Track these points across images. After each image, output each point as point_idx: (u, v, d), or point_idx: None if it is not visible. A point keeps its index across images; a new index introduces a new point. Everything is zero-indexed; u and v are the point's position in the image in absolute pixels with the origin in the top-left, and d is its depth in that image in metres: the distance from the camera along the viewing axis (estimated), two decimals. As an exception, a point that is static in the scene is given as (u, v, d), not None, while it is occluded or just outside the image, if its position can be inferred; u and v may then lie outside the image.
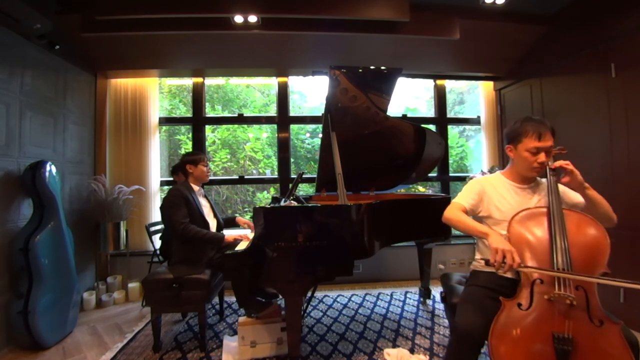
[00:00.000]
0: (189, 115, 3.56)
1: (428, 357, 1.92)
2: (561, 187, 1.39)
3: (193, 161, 2.25)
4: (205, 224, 2.17)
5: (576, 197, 1.40)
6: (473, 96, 4.29)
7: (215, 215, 2.39)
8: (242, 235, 2.15)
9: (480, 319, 1.20)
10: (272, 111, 3.93)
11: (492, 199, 1.47)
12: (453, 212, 1.44)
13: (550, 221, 1.25)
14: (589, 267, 1.16)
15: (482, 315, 1.21)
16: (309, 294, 2.68)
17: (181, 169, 2.30)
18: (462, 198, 1.50)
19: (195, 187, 2.26)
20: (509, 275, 1.35)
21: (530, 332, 1.10)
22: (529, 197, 1.44)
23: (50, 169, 2.26)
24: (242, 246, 1.92)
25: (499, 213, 1.43)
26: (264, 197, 4.31)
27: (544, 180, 1.45)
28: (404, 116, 3.74)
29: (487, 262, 1.18)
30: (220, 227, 2.40)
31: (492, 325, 1.14)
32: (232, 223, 2.52)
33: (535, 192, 1.46)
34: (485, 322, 1.17)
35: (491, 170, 3.22)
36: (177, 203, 2.08)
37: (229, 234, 2.19)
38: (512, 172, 1.50)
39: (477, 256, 1.55)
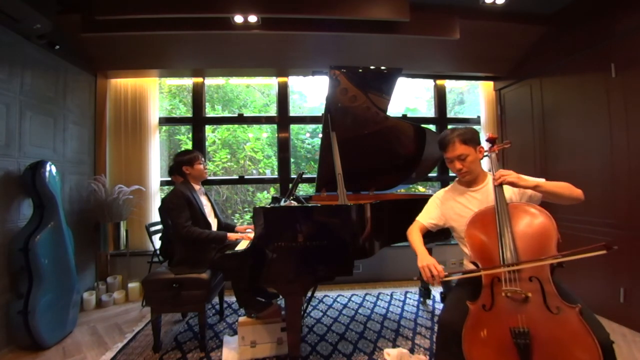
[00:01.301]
0: (189, 115, 3.56)
1: (428, 357, 1.92)
2: (511, 188, 1.42)
3: (189, 161, 2.21)
4: (207, 225, 2.16)
5: (527, 192, 1.43)
6: (473, 96, 4.30)
7: (216, 215, 2.39)
8: (244, 235, 2.15)
9: (458, 315, 1.24)
10: (272, 111, 3.93)
11: (454, 208, 1.56)
12: (410, 231, 1.60)
13: (497, 219, 1.30)
14: (537, 255, 1.19)
15: (461, 311, 1.24)
16: (309, 294, 2.68)
17: (177, 171, 2.24)
18: (422, 216, 1.65)
19: (196, 187, 2.25)
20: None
21: (495, 332, 1.12)
22: (483, 197, 1.49)
23: (50, 169, 2.25)
24: (242, 246, 1.92)
25: (460, 219, 1.50)
26: (264, 197, 4.31)
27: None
28: (404, 116, 3.74)
29: (421, 281, 1.24)
30: (220, 227, 2.40)
31: (463, 330, 1.17)
32: (231, 232, 2.44)
33: (488, 191, 1.49)
34: (463, 318, 1.21)
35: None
36: (180, 205, 2.06)
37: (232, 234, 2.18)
38: (458, 179, 1.60)
39: (464, 257, 1.58)
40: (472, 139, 1.49)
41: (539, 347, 1.04)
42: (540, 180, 1.34)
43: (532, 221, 1.28)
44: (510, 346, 1.06)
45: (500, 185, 1.37)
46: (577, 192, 1.33)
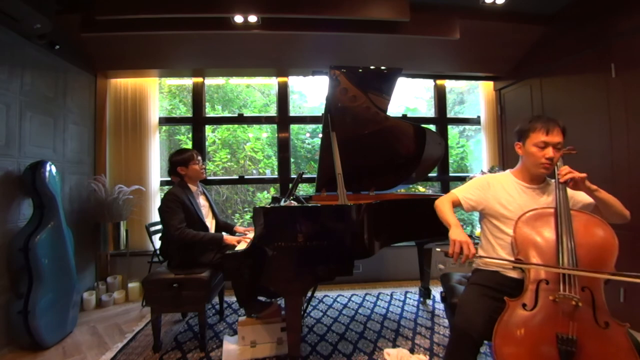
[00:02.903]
0: (189, 115, 3.56)
1: (428, 357, 1.92)
2: (570, 190, 1.38)
3: (183, 162, 2.15)
4: (204, 228, 2.13)
5: (585, 199, 1.40)
6: (473, 96, 4.29)
7: (214, 215, 2.37)
8: (241, 238, 2.10)
9: (479, 319, 1.19)
10: (272, 111, 3.93)
11: (499, 196, 1.47)
12: (441, 201, 1.52)
13: (557, 221, 1.25)
14: (595, 268, 1.15)
15: (481, 314, 1.21)
16: (309, 294, 2.68)
17: (172, 172, 2.18)
18: (460, 190, 1.55)
19: (193, 187, 2.21)
20: (514, 275, 1.35)
21: (534, 333, 1.09)
22: (537, 197, 1.43)
23: (50, 169, 2.25)
24: (242, 246, 1.92)
25: (506, 211, 1.43)
26: (264, 197, 4.31)
27: (553, 181, 1.44)
28: (404, 116, 3.74)
29: (446, 254, 1.22)
30: (219, 228, 2.38)
31: (496, 326, 1.13)
32: (229, 232, 2.43)
33: (544, 192, 1.45)
34: (483, 322, 1.17)
35: (491, 170, 3.22)
36: (173, 208, 2.02)
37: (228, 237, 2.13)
38: (521, 170, 1.50)
39: (480, 252, 1.53)
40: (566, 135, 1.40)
41: (583, 357, 1.03)
42: (599, 188, 1.31)
43: (595, 232, 1.23)
44: (552, 351, 1.05)
45: (565, 184, 1.31)
46: (626, 211, 1.32)
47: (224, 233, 2.23)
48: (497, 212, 1.45)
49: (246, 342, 1.94)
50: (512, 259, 1.30)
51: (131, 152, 3.23)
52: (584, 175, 1.28)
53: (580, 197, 1.41)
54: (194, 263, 2.05)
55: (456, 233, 1.26)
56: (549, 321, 1.09)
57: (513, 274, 1.34)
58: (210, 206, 2.37)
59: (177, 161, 2.16)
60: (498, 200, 1.46)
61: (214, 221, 2.34)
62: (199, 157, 2.24)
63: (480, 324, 1.18)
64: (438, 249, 1.33)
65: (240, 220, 4.23)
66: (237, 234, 2.38)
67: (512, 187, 1.47)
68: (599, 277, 1.11)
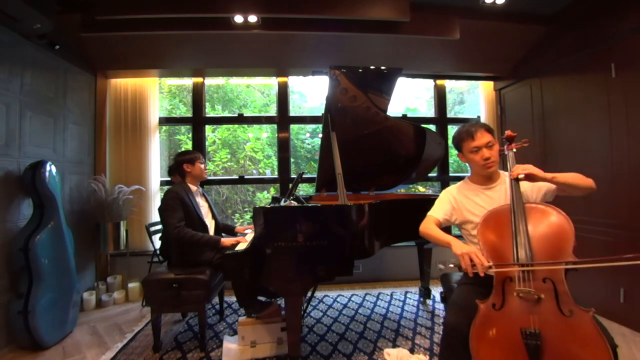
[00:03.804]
0: (189, 115, 3.56)
1: (428, 357, 1.92)
2: (528, 184, 1.41)
3: (190, 160, 2.22)
4: (204, 227, 2.14)
5: (543, 187, 1.42)
6: (473, 96, 4.30)
7: (213, 216, 2.38)
8: (239, 239, 2.09)
9: (464, 317, 1.24)
10: (272, 111, 3.93)
11: (465, 205, 1.53)
12: (425, 226, 1.53)
13: (512, 218, 1.28)
14: (553, 257, 1.17)
15: (467, 312, 1.24)
16: (309, 294, 2.68)
17: (177, 170, 2.23)
18: (435, 210, 1.59)
19: (193, 188, 2.23)
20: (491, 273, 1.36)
21: (504, 331, 1.12)
22: (498, 196, 1.48)
23: (50, 169, 2.25)
24: (242, 246, 1.92)
25: (473, 216, 1.49)
26: (264, 197, 4.31)
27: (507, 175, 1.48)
28: (404, 116, 3.74)
29: (459, 268, 1.21)
30: (218, 229, 2.39)
31: (471, 328, 1.16)
32: (230, 232, 2.46)
33: (502, 189, 1.49)
34: (469, 319, 1.20)
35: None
36: (173, 206, 2.04)
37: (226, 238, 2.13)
38: (474, 176, 1.58)
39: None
40: (493, 132, 1.49)
41: (549, 349, 1.04)
42: (555, 174, 1.33)
43: (549, 222, 1.25)
44: (520, 347, 1.06)
45: (517, 179, 1.34)
46: (589, 181, 1.33)
47: (223, 234, 2.23)
48: (467, 219, 1.52)
49: (246, 342, 1.95)
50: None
51: (131, 152, 3.23)
52: (533, 171, 1.31)
53: (536, 187, 1.44)
54: (194, 262, 2.05)
55: (459, 246, 1.26)
56: (515, 317, 1.12)
57: (490, 272, 1.37)
58: (210, 207, 2.38)
59: (184, 159, 2.23)
60: (466, 209, 1.53)
61: (213, 222, 2.34)
62: (203, 159, 2.33)
63: (465, 321, 1.21)
64: (442, 266, 1.34)
65: (241, 220, 4.24)
66: (238, 234, 2.39)
67: (473, 193, 1.54)
68: (554, 268, 1.13)
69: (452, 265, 1.27)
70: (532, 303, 1.11)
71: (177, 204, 2.05)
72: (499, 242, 1.28)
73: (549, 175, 1.32)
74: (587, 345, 1.02)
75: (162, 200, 2.10)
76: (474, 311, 1.21)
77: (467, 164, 1.61)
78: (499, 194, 1.48)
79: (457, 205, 1.55)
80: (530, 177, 1.32)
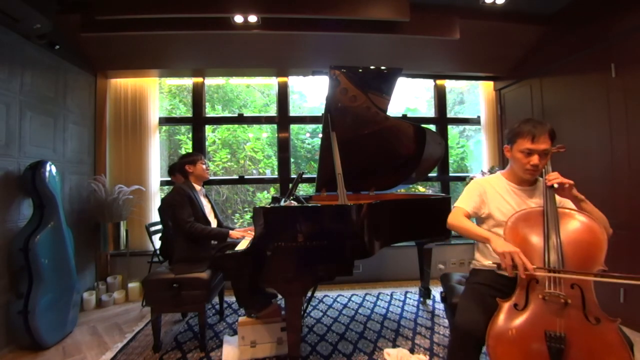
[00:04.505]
0: (189, 115, 3.56)
1: (428, 357, 1.92)
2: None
3: (192, 161, 2.27)
4: (208, 223, 2.19)
5: (571, 205, 1.39)
6: (473, 96, 4.29)
7: (216, 215, 2.40)
8: (247, 232, 2.17)
9: (481, 317, 1.20)
10: (272, 111, 3.93)
11: (493, 199, 1.47)
12: (456, 219, 1.43)
13: (544, 220, 1.26)
14: (584, 265, 1.15)
15: (483, 313, 1.21)
16: (309, 294, 2.68)
17: (180, 171, 2.29)
18: (464, 202, 1.50)
19: (197, 187, 2.28)
20: (506, 273, 1.35)
21: (526, 332, 1.10)
22: (528, 199, 1.44)
23: (50, 169, 2.25)
24: (242, 246, 1.92)
25: (499, 214, 1.43)
26: (264, 197, 4.31)
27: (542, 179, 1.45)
28: (404, 116, 3.74)
29: (499, 267, 1.17)
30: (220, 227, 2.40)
31: (489, 326, 1.14)
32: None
33: (534, 193, 1.45)
34: (486, 321, 1.17)
35: (491, 170, 3.22)
36: (182, 202, 2.09)
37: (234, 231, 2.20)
38: (510, 173, 1.51)
39: (477, 255, 1.56)
40: (555, 137, 1.39)
41: (572, 353, 1.03)
42: (585, 200, 1.31)
43: (582, 228, 1.22)
44: (542, 349, 1.05)
45: (552, 187, 1.31)
46: (609, 227, 1.28)
47: (230, 226, 2.27)
48: (493, 214, 1.46)
49: (246, 342, 1.94)
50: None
51: (131, 152, 3.23)
52: (571, 181, 1.28)
53: (566, 202, 1.41)
54: (197, 258, 2.07)
55: (501, 244, 1.18)
56: (539, 319, 1.10)
57: (505, 273, 1.35)
58: (212, 207, 2.41)
59: (186, 161, 2.28)
60: (493, 204, 1.47)
61: (215, 221, 2.36)
62: (205, 160, 2.37)
63: (481, 323, 1.18)
64: (477, 256, 1.28)
65: (241, 221, 4.23)
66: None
67: (504, 190, 1.48)
68: (583, 279, 1.11)
69: (490, 263, 1.22)
70: (559, 307, 1.09)
71: (185, 200, 2.10)
72: (528, 243, 1.24)
73: (581, 195, 1.30)
74: (610, 355, 1.01)
75: (171, 197, 2.15)
76: (487, 311, 1.19)
77: (507, 160, 1.52)
78: (529, 198, 1.44)
79: (486, 198, 1.48)
80: (563, 189, 1.29)
